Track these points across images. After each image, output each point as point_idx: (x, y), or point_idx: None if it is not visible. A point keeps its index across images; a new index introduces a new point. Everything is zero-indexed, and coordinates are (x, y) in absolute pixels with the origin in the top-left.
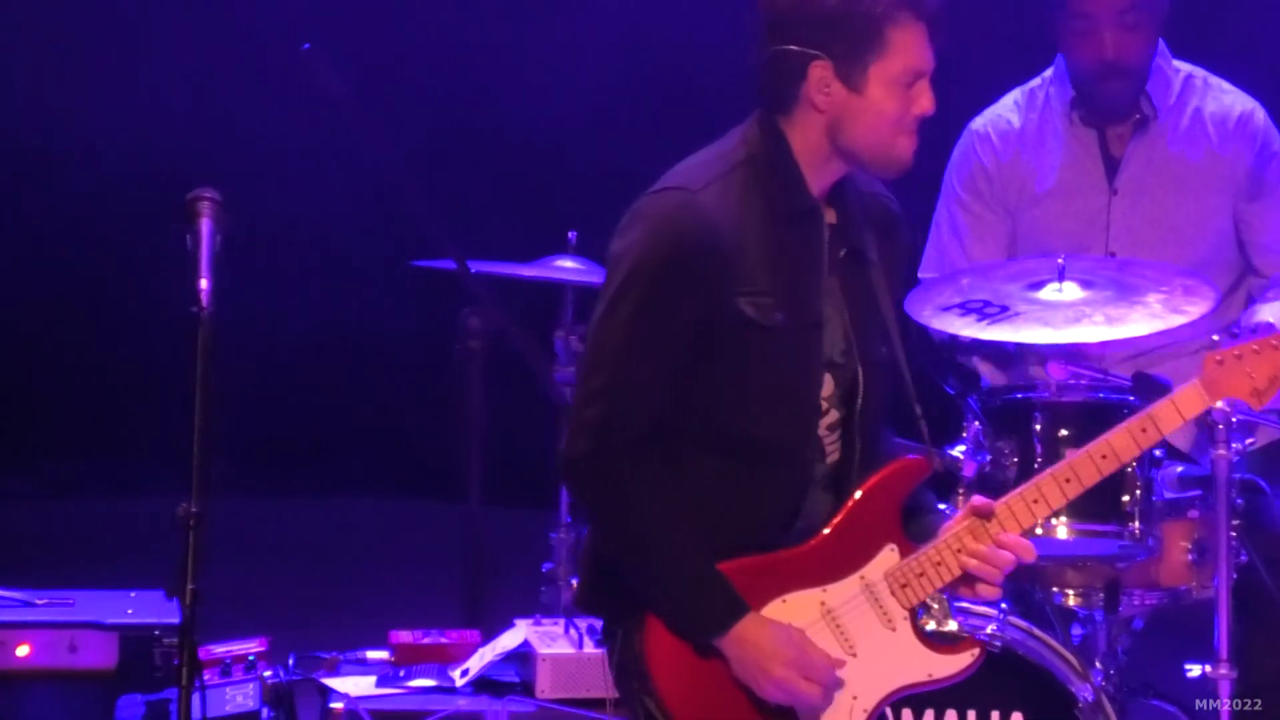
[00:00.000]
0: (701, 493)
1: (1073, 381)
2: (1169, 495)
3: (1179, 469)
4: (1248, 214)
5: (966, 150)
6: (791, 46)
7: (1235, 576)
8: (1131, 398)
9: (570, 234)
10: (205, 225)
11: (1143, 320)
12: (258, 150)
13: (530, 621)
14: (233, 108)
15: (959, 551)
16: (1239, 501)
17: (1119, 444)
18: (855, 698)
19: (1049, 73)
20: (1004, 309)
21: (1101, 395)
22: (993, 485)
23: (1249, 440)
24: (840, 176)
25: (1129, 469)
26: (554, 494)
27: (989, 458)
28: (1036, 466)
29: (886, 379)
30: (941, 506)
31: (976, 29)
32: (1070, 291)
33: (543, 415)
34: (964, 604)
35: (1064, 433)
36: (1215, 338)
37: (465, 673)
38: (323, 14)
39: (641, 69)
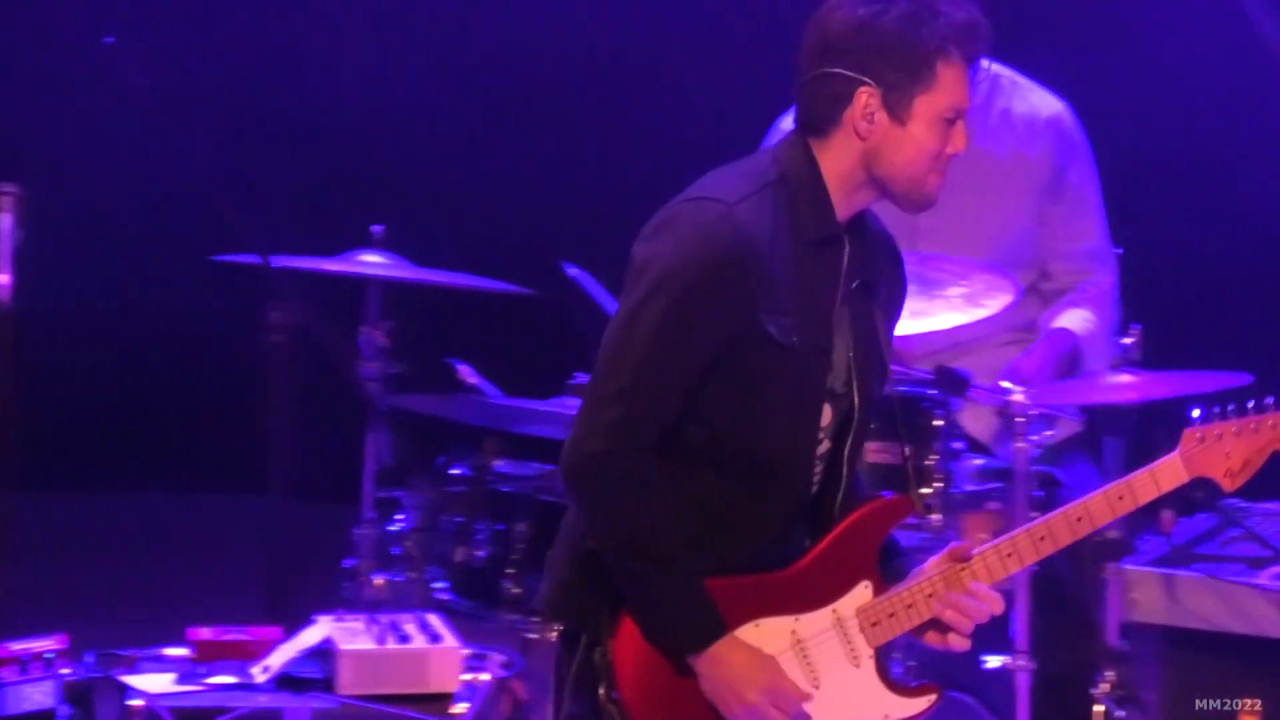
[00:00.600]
0: (698, 505)
1: None
2: (969, 488)
3: (979, 461)
4: (1051, 216)
5: None
6: (840, 70)
7: (1035, 569)
8: (933, 391)
9: (375, 228)
10: (4, 220)
11: (945, 314)
12: (60, 144)
13: (332, 617)
14: (33, 101)
15: (931, 596)
16: (1038, 493)
17: (1094, 508)
18: None
19: None
20: None
21: (903, 389)
22: None
23: (1048, 433)
24: (864, 206)
25: (928, 460)
26: (356, 489)
27: None
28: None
29: (876, 411)
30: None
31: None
32: None
33: (346, 410)
34: None
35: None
36: (1196, 412)
37: (266, 669)
38: (125, 6)
39: (450, 63)
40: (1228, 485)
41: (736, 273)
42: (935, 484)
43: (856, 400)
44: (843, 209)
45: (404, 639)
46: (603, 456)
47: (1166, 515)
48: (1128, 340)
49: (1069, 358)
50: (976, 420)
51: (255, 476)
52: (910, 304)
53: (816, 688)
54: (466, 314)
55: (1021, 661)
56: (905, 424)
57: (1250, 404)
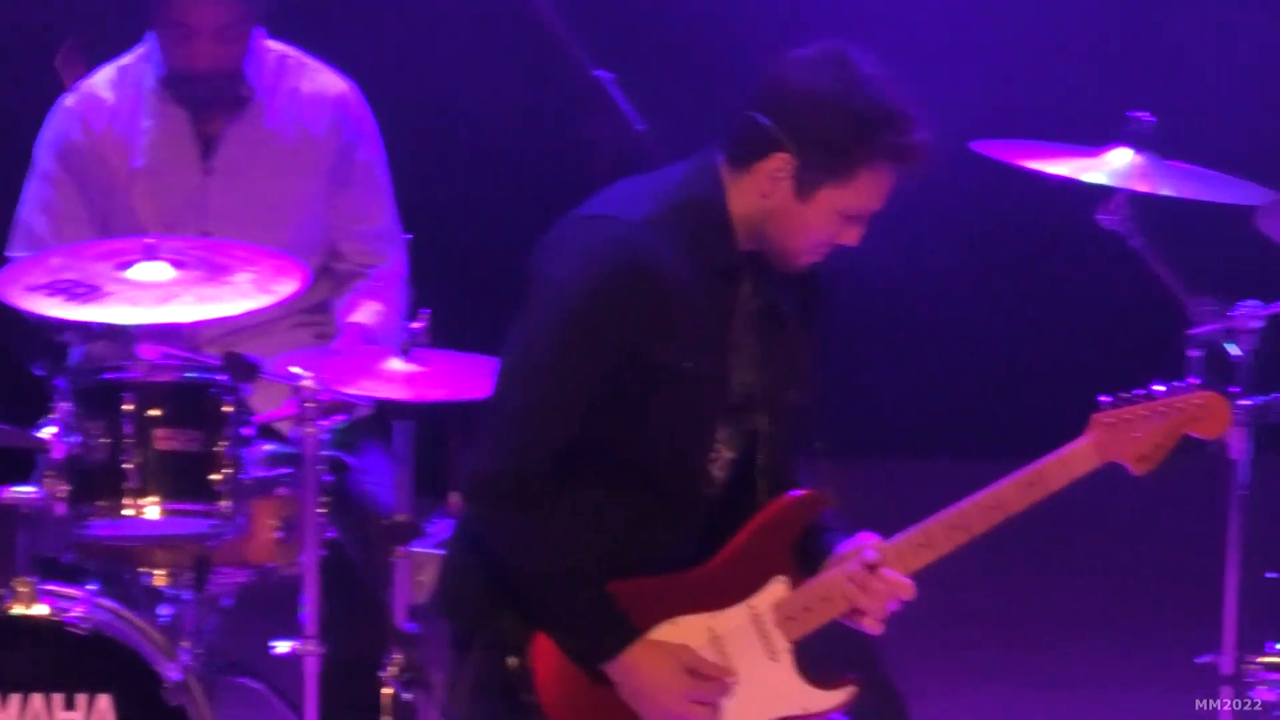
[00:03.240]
0: (597, 520)
1: (163, 361)
2: (258, 473)
3: (268, 447)
4: (340, 197)
5: (59, 126)
6: (771, 126)
7: (324, 553)
8: (221, 377)
9: None
10: None
11: (233, 300)
12: None
13: None
14: None
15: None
16: (327, 479)
17: (1006, 496)
18: None
19: (142, 50)
20: (94, 289)
21: (192, 375)
22: (82, 467)
23: (338, 417)
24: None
25: (218, 446)
26: None
27: (80, 439)
28: (127, 446)
29: (795, 425)
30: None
31: None
32: (161, 271)
33: None
34: (52, 586)
35: (155, 412)
36: (1104, 399)
37: None
38: None
39: None
40: (1138, 469)
41: (633, 294)
42: (225, 470)
43: (765, 413)
44: (745, 241)
45: None
46: (502, 479)
47: (455, 498)
48: (417, 325)
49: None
50: (268, 405)
51: None
52: (199, 290)
53: (735, 682)
54: None
55: (310, 646)
56: (194, 410)
57: (1159, 388)
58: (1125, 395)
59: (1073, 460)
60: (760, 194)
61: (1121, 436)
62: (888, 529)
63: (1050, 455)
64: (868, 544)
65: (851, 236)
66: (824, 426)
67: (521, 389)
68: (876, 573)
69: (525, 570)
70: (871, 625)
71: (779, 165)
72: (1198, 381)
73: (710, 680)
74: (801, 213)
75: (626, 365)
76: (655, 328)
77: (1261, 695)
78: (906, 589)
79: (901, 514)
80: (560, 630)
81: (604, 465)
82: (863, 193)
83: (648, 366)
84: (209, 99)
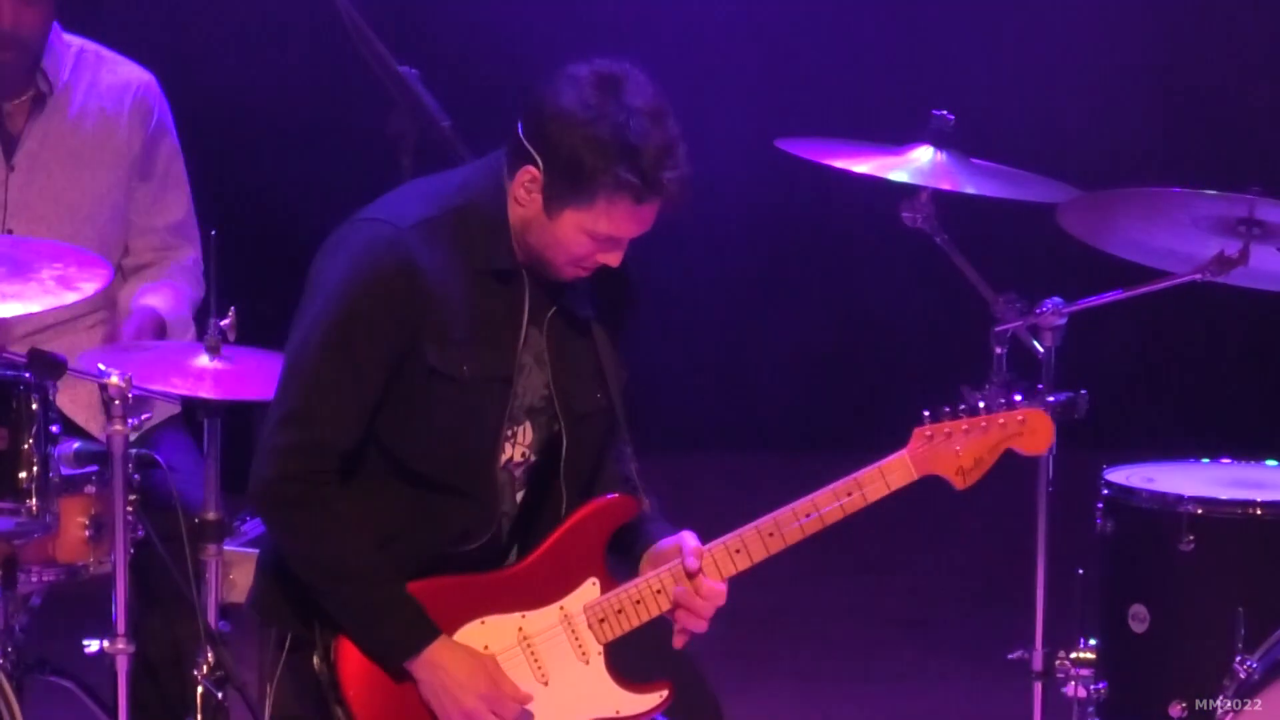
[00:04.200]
0: (391, 520)
1: None
2: (66, 471)
3: (76, 445)
4: (139, 191)
5: None
6: (524, 139)
7: (134, 552)
8: (27, 374)
9: None
10: None
11: (37, 297)
12: None
13: None
14: None
15: (659, 593)
16: (136, 477)
17: (823, 505)
18: None
19: None
20: None
21: None
22: None
23: (145, 415)
24: None
25: (25, 444)
26: None
27: None
28: None
29: (599, 426)
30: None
31: None
32: None
33: None
34: None
35: None
36: (926, 413)
37: None
38: None
39: None
40: (959, 483)
41: (399, 301)
42: (32, 468)
43: (561, 417)
44: (519, 247)
45: None
46: (278, 482)
47: None
48: (224, 322)
49: (155, 329)
50: (74, 403)
51: None
52: (2, 286)
53: (546, 684)
54: None
55: (121, 645)
56: (1, 408)
57: (980, 403)
58: (946, 409)
59: (890, 472)
60: (518, 203)
61: (941, 450)
62: (696, 522)
63: (868, 467)
64: (690, 550)
65: (611, 258)
66: (633, 427)
67: (291, 393)
68: (697, 582)
69: (316, 571)
70: (697, 626)
71: (530, 178)
72: (1020, 398)
73: (509, 696)
74: (551, 229)
75: (402, 369)
76: (424, 331)
77: (1071, 691)
78: (720, 595)
79: (714, 507)
80: (358, 630)
81: (395, 469)
82: (604, 219)
83: (422, 370)
84: (9, 90)
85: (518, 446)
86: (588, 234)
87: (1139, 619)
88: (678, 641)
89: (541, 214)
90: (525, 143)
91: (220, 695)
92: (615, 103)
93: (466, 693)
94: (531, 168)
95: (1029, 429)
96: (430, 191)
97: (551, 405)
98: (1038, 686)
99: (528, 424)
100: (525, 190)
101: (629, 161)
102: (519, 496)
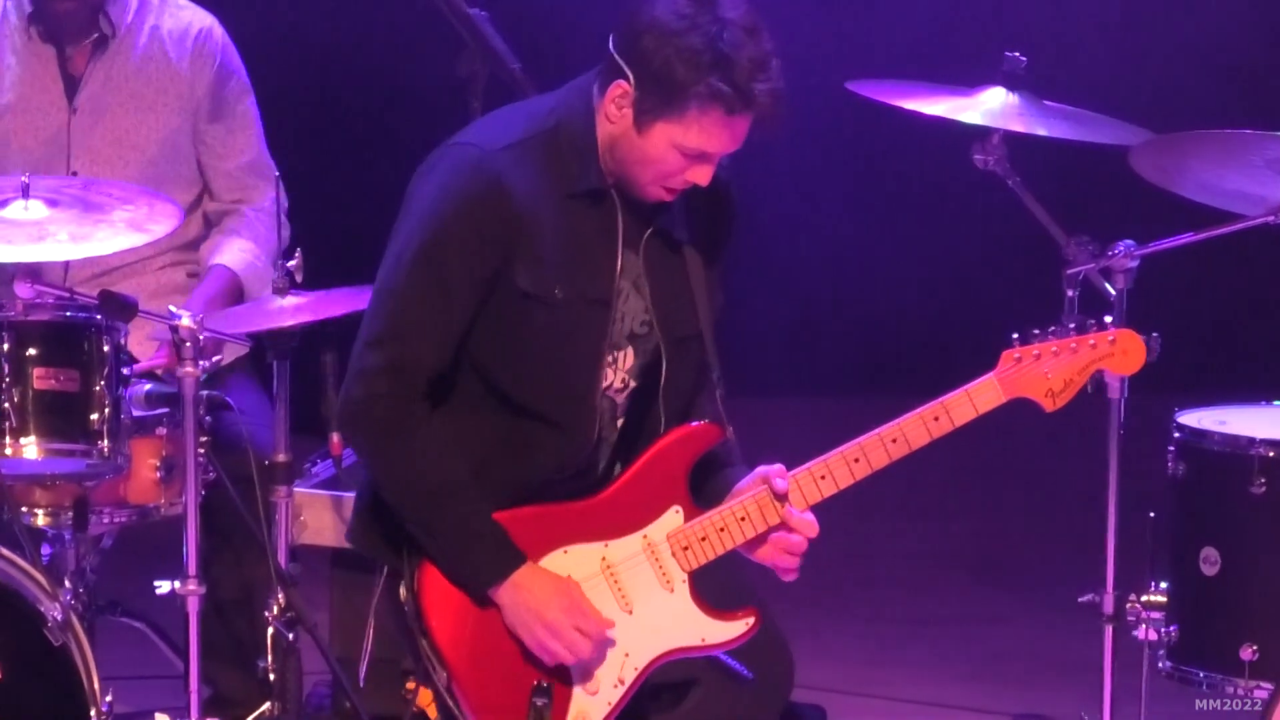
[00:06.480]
0: (481, 446)
1: (39, 300)
2: (137, 413)
3: (147, 387)
4: (208, 135)
5: None
6: (616, 55)
7: (204, 493)
8: (98, 316)
9: None
10: None
11: (108, 238)
12: None
13: None
14: None
15: (743, 520)
16: (207, 419)
17: (910, 430)
18: (627, 655)
19: None
20: None
21: (68, 314)
22: None
23: (216, 358)
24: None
25: (96, 386)
26: None
27: None
28: (4, 385)
29: (696, 351)
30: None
31: None
32: (36, 210)
33: None
34: None
35: (32, 351)
36: (1015, 335)
37: None
38: None
39: None
40: (1048, 405)
41: (486, 220)
42: (104, 410)
43: (661, 341)
44: (608, 168)
45: None
46: (366, 402)
47: (336, 438)
48: (292, 263)
49: (231, 294)
50: (144, 345)
51: None
52: (72, 228)
53: (630, 612)
54: None
55: (192, 586)
56: (72, 350)
57: (1071, 324)
58: (1035, 331)
59: (979, 395)
60: (609, 120)
61: (1030, 372)
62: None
63: (957, 390)
64: (776, 472)
65: (700, 175)
66: (722, 359)
67: (382, 315)
68: (785, 513)
69: (401, 493)
70: (787, 575)
71: (622, 92)
72: (1110, 319)
73: (592, 615)
74: (641, 144)
75: (493, 291)
76: (514, 253)
77: (1142, 634)
78: (810, 526)
79: (791, 450)
80: (443, 556)
81: (493, 394)
82: (695, 131)
83: (514, 293)
84: (73, 34)
85: (618, 372)
86: (678, 148)
87: (1210, 562)
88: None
89: (632, 129)
90: (617, 57)
91: (291, 636)
92: (709, 14)
93: (551, 610)
94: (623, 82)
95: (1120, 348)
96: (522, 116)
97: (653, 330)
98: (1108, 630)
99: (629, 349)
100: (616, 106)
101: (721, 71)
102: (619, 423)
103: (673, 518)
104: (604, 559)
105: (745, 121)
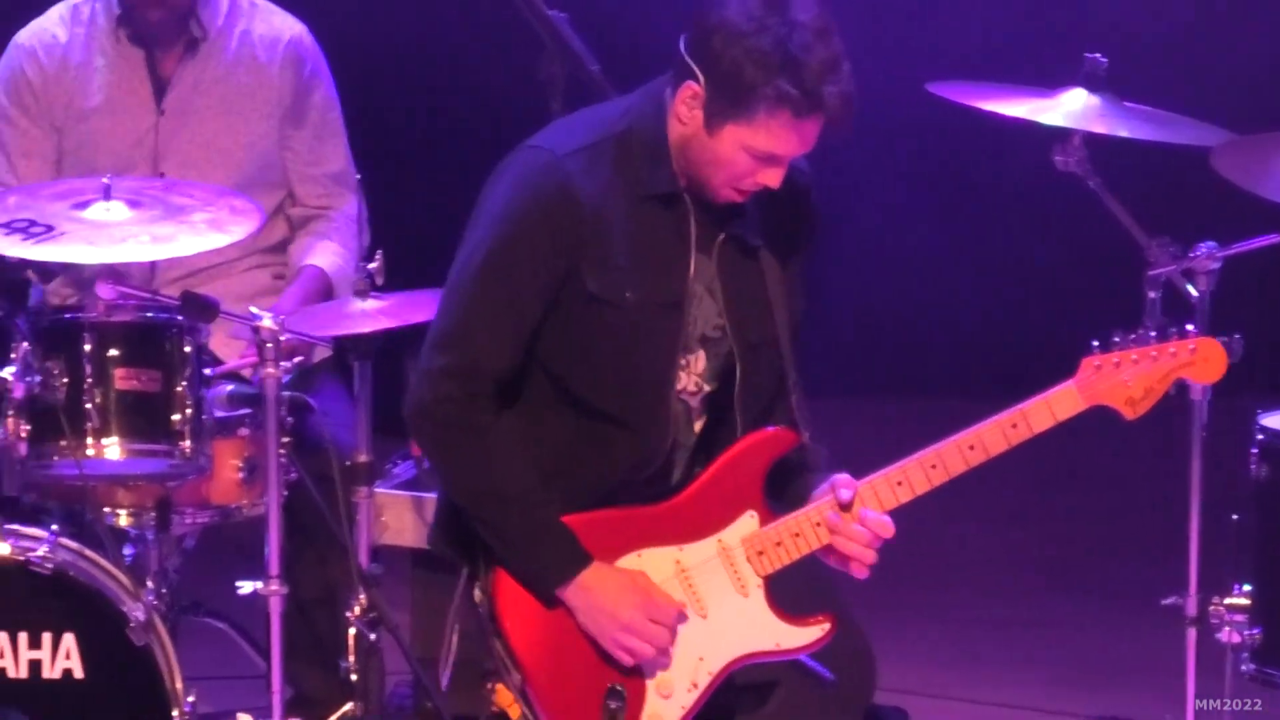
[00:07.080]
0: (557, 448)
1: (121, 301)
2: (219, 414)
3: (229, 387)
4: (295, 141)
5: (11, 63)
6: (687, 56)
7: (286, 494)
8: (180, 317)
9: None
10: None
11: (190, 240)
12: None
13: None
14: None
15: (818, 525)
16: (289, 419)
17: (988, 437)
18: (702, 659)
19: None
20: (49, 228)
21: (150, 315)
22: (42, 406)
23: (298, 359)
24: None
25: (179, 386)
26: None
27: (39, 379)
28: (87, 386)
29: (773, 357)
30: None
31: None
32: (117, 211)
33: None
34: (14, 527)
35: (114, 352)
36: (1095, 343)
37: None
38: None
39: None
40: (1129, 414)
41: (555, 224)
42: (186, 410)
43: (735, 346)
44: (680, 171)
45: None
46: (433, 404)
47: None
48: (373, 265)
49: (321, 294)
50: (227, 346)
51: None
52: (154, 229)
53: (704, 616)
54: None
55: (274, 586)
56: (154, 350)
57: (1151, 332)
58: (1116, 339)
59: (1058, 402)
60: (680, 121)
61: (1110, 380)
62: (858, 469)
63: (1035, 397)
64: (842, 482)
65: (771, 178)
66: (803, 362)
67: (451, 316)
68: (853, 513)
69: (469, 494)
70: (858, 570)
71: (692, 94)
72: (1192, 327)
73: (664, 605)
74: (711, 146)
75: (562, 295)
76: (583, 256)
77: (1225, 637)
78: (886, 526)
79: (868, 455)
80: (512, 557)
81: (565, 398)
82: (764, 133)
83: (583, 296)
84: (163, 38)
85: (691, 375)
86: (747, 150)
87: None
88: (848, 568)
89: (702, 131)
90: (687, 58)
91: (373, 636)
92: (779, 16)
93: (622, 607)
94: (693, 83)
95: (1200, 357)
96: (595, 119)
97: (725, 335)
98: (1191, 632)
99: (701, 352)
100: (687, 107)
101: (790, 74)
102: (697, 426)
103: (748, 522)
104: (678, 562)
105: (815, 124)
